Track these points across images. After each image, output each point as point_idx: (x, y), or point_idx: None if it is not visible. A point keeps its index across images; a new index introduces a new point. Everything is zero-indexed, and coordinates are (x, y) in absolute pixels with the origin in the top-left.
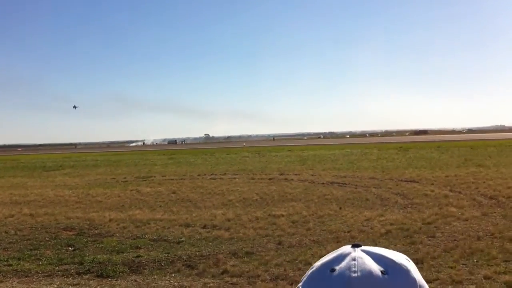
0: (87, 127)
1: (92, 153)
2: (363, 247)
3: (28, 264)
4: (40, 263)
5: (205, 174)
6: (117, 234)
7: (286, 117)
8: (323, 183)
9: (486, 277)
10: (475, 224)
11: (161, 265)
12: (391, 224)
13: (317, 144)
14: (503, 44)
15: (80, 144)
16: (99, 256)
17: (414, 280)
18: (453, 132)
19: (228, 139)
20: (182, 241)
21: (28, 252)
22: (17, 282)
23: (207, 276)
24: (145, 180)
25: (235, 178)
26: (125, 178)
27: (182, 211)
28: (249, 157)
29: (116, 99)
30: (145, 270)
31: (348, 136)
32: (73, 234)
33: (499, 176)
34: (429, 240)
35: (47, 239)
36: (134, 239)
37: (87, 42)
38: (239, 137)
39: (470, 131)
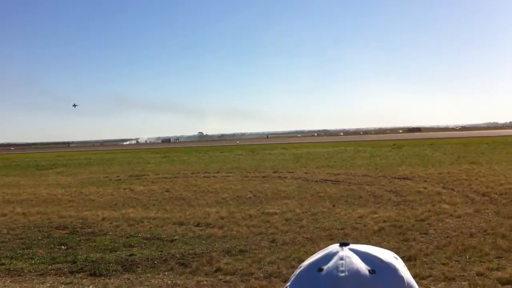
0: (81, 126)
1: (85, 152)
2: (351, 246)
3: (21, 263)
4: (33, 262)
5: (198, 172)
6: (110, 233)
7: (280, 115)
8: (316, 181)
9: (478, 274)
10: (468, 221)
11: (155, 263)
12: (384, 221)
13: (311, 142)
14: (497, 42)
15: (73, 142)
16: (92, 254)
17: (402, 278)
18: (446, 129)
19: (221, 137)
20: (176, 239)
21: (21, 251)
22: (10, 281)
23: (200, 274)
24: (139, 179)
25: (228, 176)
26: (118, 176)
27: (175, 209)
28: (243, 155)
29: (110, 98)
30: (138, 269)
31: (342, 134)
32: (66, 233)
33: (491, 173)
34: (422, 237)
35: (39, 238)
36: (127, 237)
37: (87, 43)
38: (233, 135)
39: (463, 128)
